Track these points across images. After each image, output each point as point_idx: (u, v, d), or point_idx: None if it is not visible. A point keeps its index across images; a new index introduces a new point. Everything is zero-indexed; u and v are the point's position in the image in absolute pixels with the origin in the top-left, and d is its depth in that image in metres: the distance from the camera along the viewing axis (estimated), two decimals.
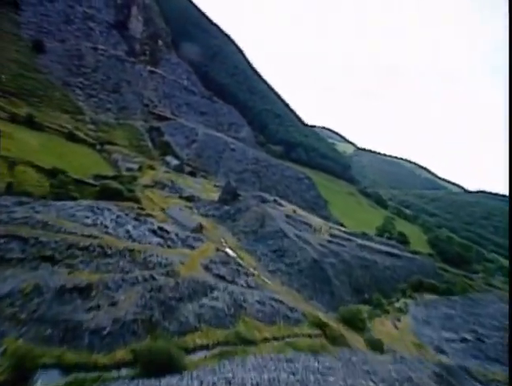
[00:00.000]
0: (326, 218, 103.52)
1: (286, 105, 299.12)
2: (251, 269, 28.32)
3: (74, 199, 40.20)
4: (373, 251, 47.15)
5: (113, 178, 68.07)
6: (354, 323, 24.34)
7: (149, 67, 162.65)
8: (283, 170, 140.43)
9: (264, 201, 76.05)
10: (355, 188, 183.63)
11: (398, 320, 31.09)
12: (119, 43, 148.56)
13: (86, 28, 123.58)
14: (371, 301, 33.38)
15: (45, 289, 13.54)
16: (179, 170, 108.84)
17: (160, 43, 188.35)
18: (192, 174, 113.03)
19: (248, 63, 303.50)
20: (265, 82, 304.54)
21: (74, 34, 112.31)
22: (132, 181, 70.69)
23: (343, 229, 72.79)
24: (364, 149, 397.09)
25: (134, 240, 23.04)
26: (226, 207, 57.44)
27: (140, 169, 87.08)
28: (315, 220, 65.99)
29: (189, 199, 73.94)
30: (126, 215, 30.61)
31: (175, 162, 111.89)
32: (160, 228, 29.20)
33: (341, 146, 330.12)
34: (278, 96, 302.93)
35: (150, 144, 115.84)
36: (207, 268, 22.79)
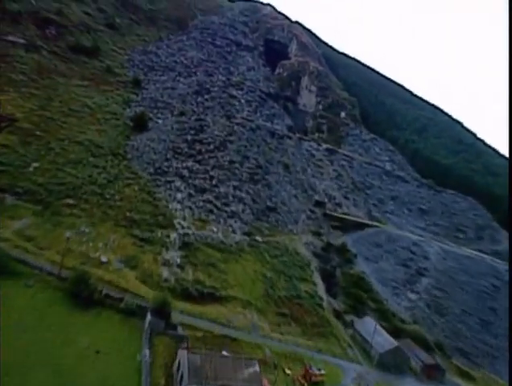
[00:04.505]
0: None
1: None
2: None
3: None
4: None
5: None
6: None
7: (326, 146, 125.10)
8: None
9: None
10: None
11: None
12: (278, 115, 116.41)
13: (226, 97, 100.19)
14: None
15: None
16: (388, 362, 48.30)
17: (343, 115, 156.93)
18: (433, 373, 49.68)
19: (473, 135, 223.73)
20: (504, 157, 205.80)
21: (203, 105, 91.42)
22: None
23: None
24: None
25: None
26: None
27: None
28: None
29: None
30: None
31: (380, 343, 48.82)
32: None
33: None
34: None
35: (322, 287, 63.68)
36: None
